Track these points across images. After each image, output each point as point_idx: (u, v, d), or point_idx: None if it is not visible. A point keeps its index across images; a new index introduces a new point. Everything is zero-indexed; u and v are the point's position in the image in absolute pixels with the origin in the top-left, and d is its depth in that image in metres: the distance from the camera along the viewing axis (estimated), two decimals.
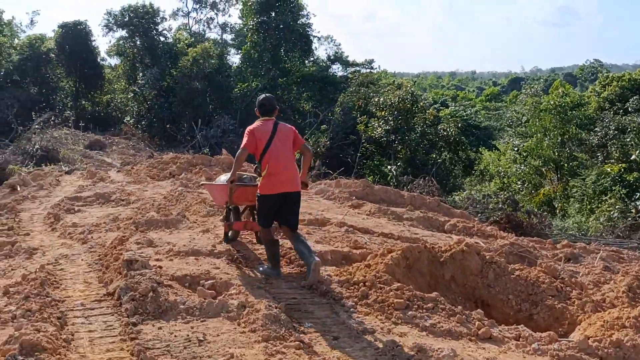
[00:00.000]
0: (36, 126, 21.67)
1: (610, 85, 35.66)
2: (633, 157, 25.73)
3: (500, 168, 34.71)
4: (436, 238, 8.48)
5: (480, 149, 35.28)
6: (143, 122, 38.05)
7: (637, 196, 23.11)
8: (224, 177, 7.84)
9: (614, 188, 23.83)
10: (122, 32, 39.39)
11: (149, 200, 10.68)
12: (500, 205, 21.61)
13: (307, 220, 8.63)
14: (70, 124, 29.22)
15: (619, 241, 17.68)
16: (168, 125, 35.29)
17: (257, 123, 6.90)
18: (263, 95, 7.12)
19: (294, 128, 7.05)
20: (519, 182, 32.04)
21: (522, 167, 31.91)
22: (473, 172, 32.50)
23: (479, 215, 19.89)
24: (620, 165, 24.44)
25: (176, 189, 11.21)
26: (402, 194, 10.88)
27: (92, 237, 8.22)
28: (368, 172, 28.11)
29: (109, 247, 7.24)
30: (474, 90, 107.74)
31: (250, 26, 36.36)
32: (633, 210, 21.65)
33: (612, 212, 22.09)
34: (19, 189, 12.92)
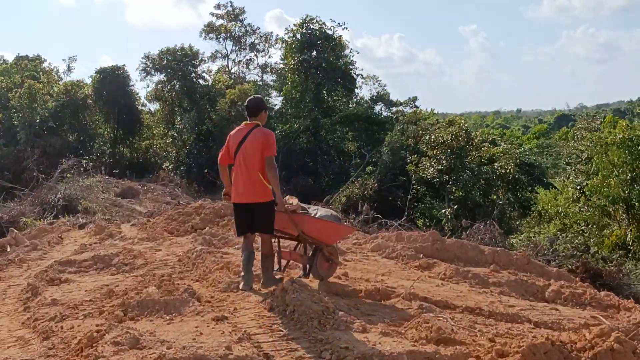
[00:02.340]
0: (60, 174, 20.26)
1: None
2: None
3: (560, 208, 32.24)
4: (543, 313, 6.41)
5: (536, 188, 32.96)
6: (182, 168, 36.87)
7: None
8: (323, 212, 7.19)
9: None
10: (161, 76, 38.69)
11: (160, 264, 8.52)
12: (572, 252, 19.31)
13: (364, 291, 6.65)
14: (103, 171, 27.95)
15: None
16: (206, 171, 34.00)
17: (237, 127, 6.76)
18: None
19: (268, 136, 6.54)
20: (582, 224, 29.44)
21: (586, 207, 29.31)
22: (530, 213, 30.16)
23: (550, 263, 17.67)
24: None
25: (194, 249, 8.82)
26: (482, 249, 8.78)
27: (60, 329, 5.74)
28: (419, 215, 26.13)
29: (73, 352, 4.97)
30: (519, 129, 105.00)
31: (291, 65, 35.05)
32: None
33: None
34: (8, 249, 10.84)
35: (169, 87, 38.64)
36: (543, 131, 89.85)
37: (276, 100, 42.10)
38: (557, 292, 7.13)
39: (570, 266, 16.37)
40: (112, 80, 37.41)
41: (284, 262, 7.30)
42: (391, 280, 7.49)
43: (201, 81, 39.35)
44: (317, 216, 6.97)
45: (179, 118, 38.65)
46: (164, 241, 10.35)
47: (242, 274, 6.69)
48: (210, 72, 44.13)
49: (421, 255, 8.76)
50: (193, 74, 38.75)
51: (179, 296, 6.01)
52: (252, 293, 6.38)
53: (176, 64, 37.74)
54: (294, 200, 6.99)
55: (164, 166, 38.57)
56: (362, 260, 8.70)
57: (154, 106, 42.88)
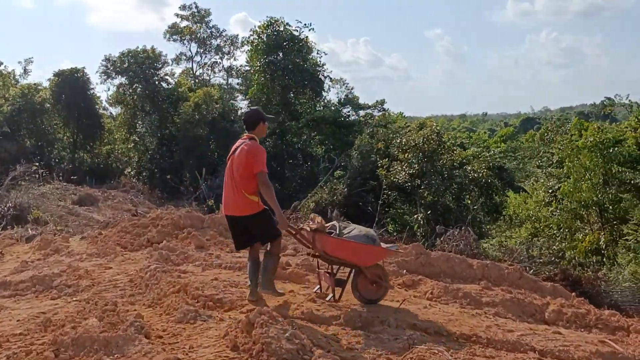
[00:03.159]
0: (12, 181, 18.98)
1: None
2: None
3: (531, 212, 31.80)
4: (546, 339, 5.56)
5: (506, 191, 32.51)
6: (144, 174, 35.62)
7: None
8: (356, 231, 6.63)
9: None
10: (122, 79, 37.40)
11: (108, 285, 7.32)
12: (550, 258, 18.73)
13: (342, 317, 5.71)
14: (61, 177, 26.63)
15: None
16: (169, 176, 32.88)
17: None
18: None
19: (254, 152, 6.26)
20: (554, 228, 28.99)
21: (558, 211, 28.85)
22: (500, 217, 29.65)
23: (528, 270, 17.03)
24: None
25: (148, 268, 7.62)
26: (470, 263, 7.92)
27: None
28: (390, 221, 25.39)
29: None
30: (485, 132, 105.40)
31: (257, 67, 34.07)
32: None
33: None
34: None
35: (130, 91, 37.40)
36: (509, 134, 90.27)
37: (242, 104, 41.19)
38: (558, 313, 6.34)
39: (547, 273, 15.75)
40: (72, 83, 36.14)
41: (324, 284, 6.91)
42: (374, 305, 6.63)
43: (164, 84, 38.17)
44: (347, 236, 6.49)
45: (141, 122, 37.42)
46: (115, 257, 9.10)
47: (249, 283, 6.46)
48: (174, 75, 42.97)
49: (404, 271, 7.93)
50: (156, 77, 37.57)
51: (123, 332, 4.87)
52: (216, 324, 5.48)
53: (138, 67, 36.56)
54: (317, 219, 6.63)
55: (125, 172, 37.38)
56: None
57: (115, 110, 41.64)
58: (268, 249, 6.50)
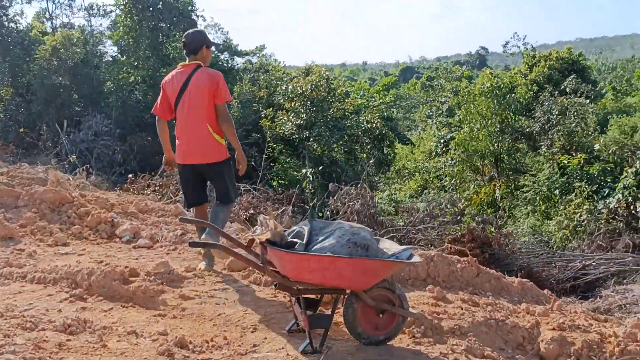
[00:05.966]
0: None
1: (538, 66, 32.02)
2: (597, 146, 21.73)
3: (420, 164, 30.48)
4: None
5: (394, 143, 30.92)
6: None
7: (606, 193, 19.06)
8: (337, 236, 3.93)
9: (575, 184, 19.79)
10: None
11: None
12: (455, 217, 16.93)
13: None
14: None
15: (615, 257, 13.41)
16: (22, 129, 28.88)
17: (173, 72, 5.55)
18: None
19: (215, 78, 5.32)
20: (447, 180, 27.71)
21: (450, 162, 27.53)
22: (389, 169, 28.01)
23: (430, 231, 15.28)
24: (580, 156, 20.28)
25: None
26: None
27: None
28: (275, 177, 22.94)
29: None
30: (366, 81, 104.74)
31: (122, 6, 29.93)
32: (604, 211, 17.47)
33: (580, 216, 18.01)
34: None
35: None
36: (391, 83, 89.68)
37: (110, 50, 36.81)
38: (558, 343, 3.97)
39: (453, 233, 13.98)
40: None
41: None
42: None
43: (13, 25, 33.28)
44: (321, 247, 3.86)
45: None
46: None
47: (202, 251, 5.64)
48: (24, 15, 37.79)
49: None
50: (5, 18, 32.62)
51: None
52: None
53: None
54: (270, 221, 3.96)
55: None
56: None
57: None
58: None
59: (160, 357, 3.50)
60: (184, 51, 5.61)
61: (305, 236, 3.88)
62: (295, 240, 3.86)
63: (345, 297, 3.97)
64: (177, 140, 5.52)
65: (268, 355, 3.69)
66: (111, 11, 37.30)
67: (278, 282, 3.92)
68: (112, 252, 6.00)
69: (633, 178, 16.75)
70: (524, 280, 5.66)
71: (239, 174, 5.54)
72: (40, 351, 3.40)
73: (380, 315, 3.99)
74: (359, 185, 15.23)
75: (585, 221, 17.28)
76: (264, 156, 20.75)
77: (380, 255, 3.84)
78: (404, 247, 3.98)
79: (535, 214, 21.11)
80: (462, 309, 4.59)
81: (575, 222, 17.67)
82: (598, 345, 4.07)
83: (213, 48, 5.91)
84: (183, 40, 5.60)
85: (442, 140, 29.18)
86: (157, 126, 5.62)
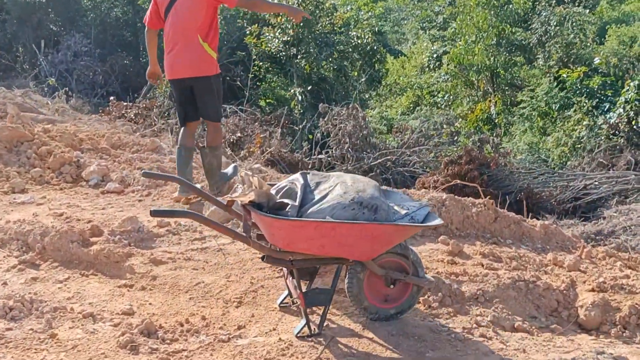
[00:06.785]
0: None
1: None
2: (597, 60, 20.84)
3: (412, 79, 29.53)
4: None
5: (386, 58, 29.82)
6: None
7: (606, 107, 18.40)
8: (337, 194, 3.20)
9: (574, 99, 19.12)
10: None
11: None
12: (452, 138, 16.35)
13: None
14: None
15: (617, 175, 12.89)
16: None
17: None
18: None
19: None
20: (440, 96, 26.92)
21: (444, 77, 26.68)
22: (379, 86, 27.06)
23: (426, 153, 14.75)
24: (580, 69, 19.44)
25: None
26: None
27: None
28: (262, 96, 22.06)
29: None
30: None
31: None
32: (604, 127, 16.83)
33: (579, 132, 17.43)
34: None
35: None
36: None
37: None
38: (601, 309, 3.30)
39: (449, 155, 13.45)
40: None
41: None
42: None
43: None
44: (319, 208, 3.12)
45: None
46: None
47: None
48: None
49: None
50: None
51: None
52: None
53: None
54: (253, 181, 3.22)
55: None
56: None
57: None
58: (205, 143, 5.37)
59: (122, 350, 2.82)
60: None
61: (299, 195, 3.13)
62: (285, 201, 3.11)
63: (349, 265, 3.27)
64: (165, 55, 5.31)
65: (256, 340, 3.03)
66: None
67: (265, 254, 3.20)
68: (76, 201, 5.25)
69: (635, 91, 15.96)
70: (547, 223, 4.99)
71: (306, 16, 5.54)
72: None
73: (391, 286, 3.35)
74: (350, 105, 14.47)
75: (585, 137, 16.71)
76: (249, 75, 19.84)
77: (391, 217, 3.11)
78: (417, 203, 3.24)
79: (533, 130, 20.50)
80: (483, 266, 3.92)
81: (574, 139, 17.13)
82: None
83: None
84: None
85: (434, 55, 28.11)
86: (145, 37, 5.50)
